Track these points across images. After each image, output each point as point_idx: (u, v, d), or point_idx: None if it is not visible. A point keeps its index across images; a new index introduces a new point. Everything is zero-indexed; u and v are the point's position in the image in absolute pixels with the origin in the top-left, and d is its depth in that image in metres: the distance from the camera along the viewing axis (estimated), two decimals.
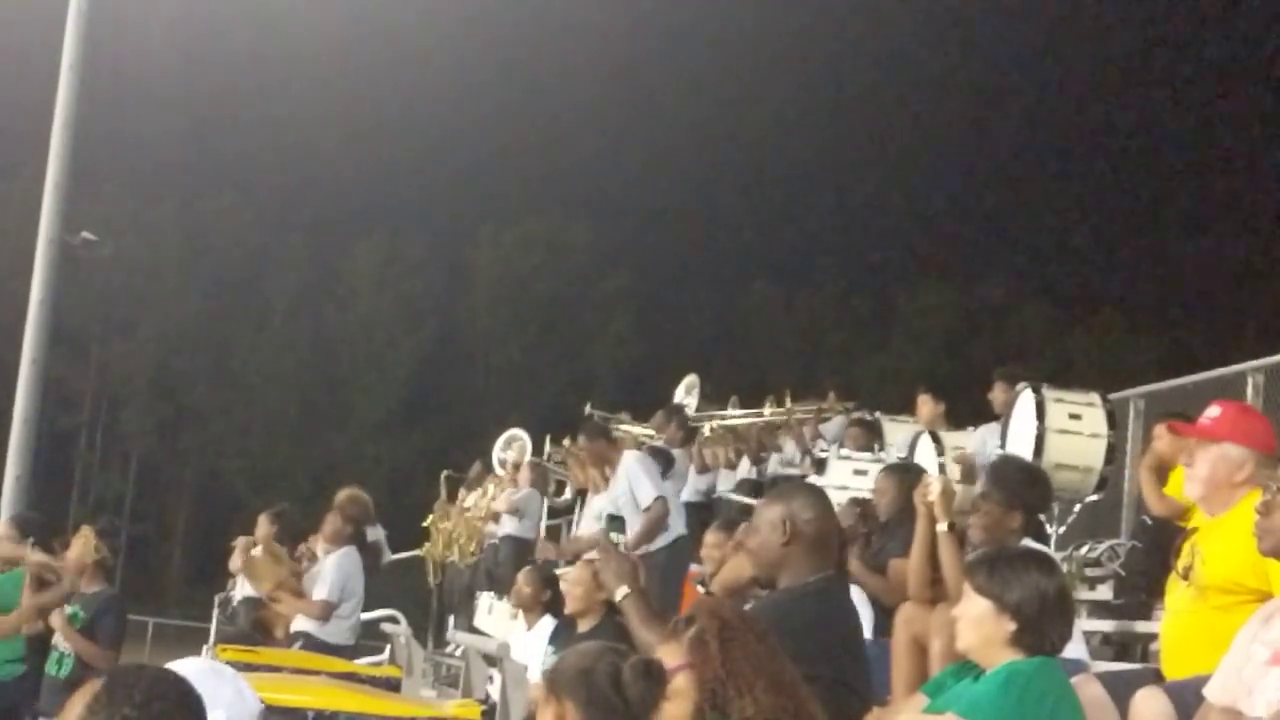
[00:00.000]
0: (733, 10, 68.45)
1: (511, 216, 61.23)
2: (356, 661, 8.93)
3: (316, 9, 36.44)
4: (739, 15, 68.57)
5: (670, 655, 3.45)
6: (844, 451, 9.77)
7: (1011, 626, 3.85)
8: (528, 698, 5.90)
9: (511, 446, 15.37)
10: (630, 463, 9.52)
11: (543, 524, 13.63)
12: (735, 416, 13.63)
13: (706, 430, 13.36)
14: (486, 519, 13.60)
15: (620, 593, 4.58)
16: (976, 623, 3.92)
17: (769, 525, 4.37)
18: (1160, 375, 11.85)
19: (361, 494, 10.24)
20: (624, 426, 14.31)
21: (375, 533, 11.15)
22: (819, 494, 4.74)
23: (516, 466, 14.21)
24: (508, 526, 13.17)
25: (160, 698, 2.52)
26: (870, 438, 10.28)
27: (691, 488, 13.02)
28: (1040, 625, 3.85)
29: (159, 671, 2.60)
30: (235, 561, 10.47)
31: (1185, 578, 4.70)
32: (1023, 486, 6.09)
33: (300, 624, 9.44)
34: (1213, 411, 4.93)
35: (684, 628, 3.48)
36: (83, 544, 8.12)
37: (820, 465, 9.69)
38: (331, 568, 9.49)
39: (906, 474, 7.34)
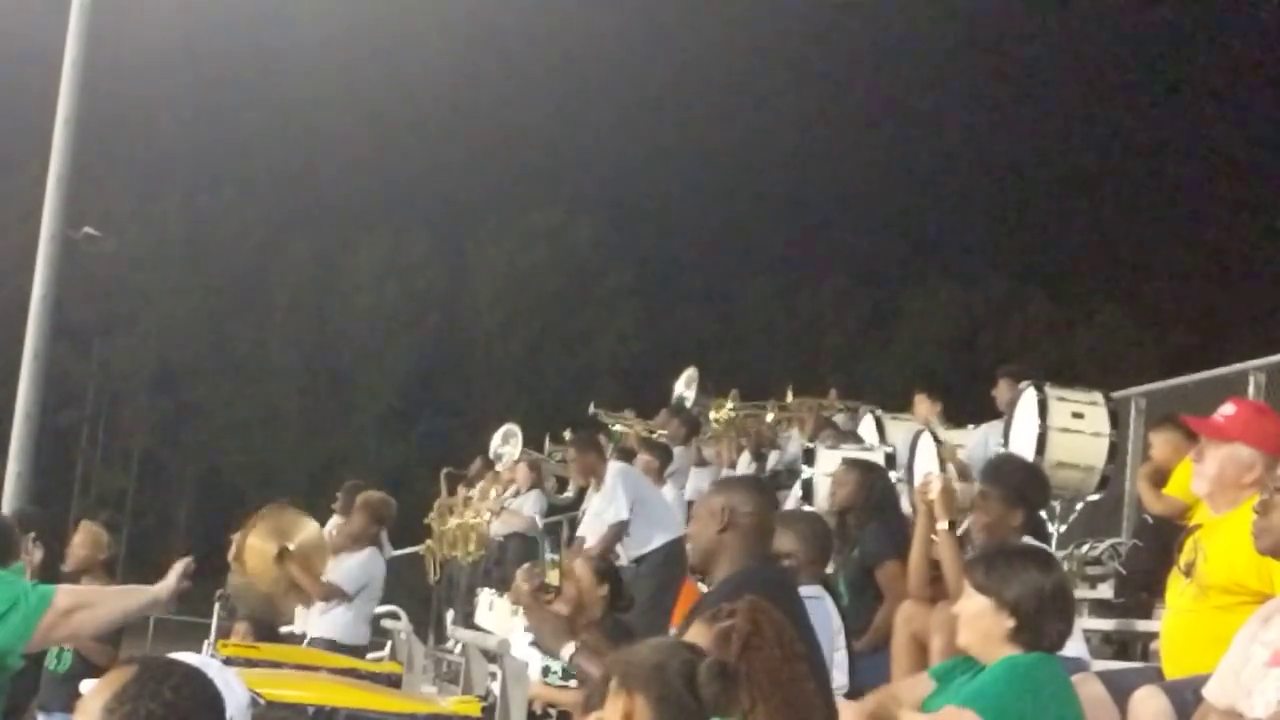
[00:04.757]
0: (734, 7, 68.43)
1: (513, 213, 61.28)
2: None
3: (319, 5, 36.43)
4: (740, 12, 68.55)
5: (699, 636, 3.46)
6: (834, 442, 9.83)
7: (1010, 623, 3.86)
8: (528, 694, 5.91)
9: (509, 442, 15.40)
10: (610, 475, 9.89)
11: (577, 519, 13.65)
12: (735, 409, 13.63)
13: (714, 423, 13.38)
14: (491, 517, 13.61)
15: (566, 651, 4.58)
16: (975, 619, 3.93)
17: (708, 513, 4.42)
18: (1162, 374, 11.84)
19: (390, 499, 10.28)
20: (625, 425, 14.32)
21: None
22: (761, 488, 4.82)
23: (515, 464, 14.23)
24: (513, 524, 13.19)
25: (188, 697, 2.52)
26: (844, 437, 10.30)
27: (694, 486, 13.03)
28: (1038, 622, 3.86)
29: (189, 669, 2.59)
30: (234, 553, 10.44)
31: (1187, 574, 4.69)
32: (1024, 485, 6.10)
33: (318, 629, 9.42)
34: (1227, 409, 4.89)
35: (724, 615, 3.47)
36: (94, 540, 8.11)
37: (809, 456, 9.76)
38: (358, 566, 9.50)
39: (869, 470, 7.39)
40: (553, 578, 4.51)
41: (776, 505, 4.76)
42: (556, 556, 3.91)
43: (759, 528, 4.43)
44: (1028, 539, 5.73)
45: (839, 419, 12.38)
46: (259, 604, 9.52)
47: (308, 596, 9.42)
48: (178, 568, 4.57)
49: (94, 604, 4.36)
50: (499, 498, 13.52)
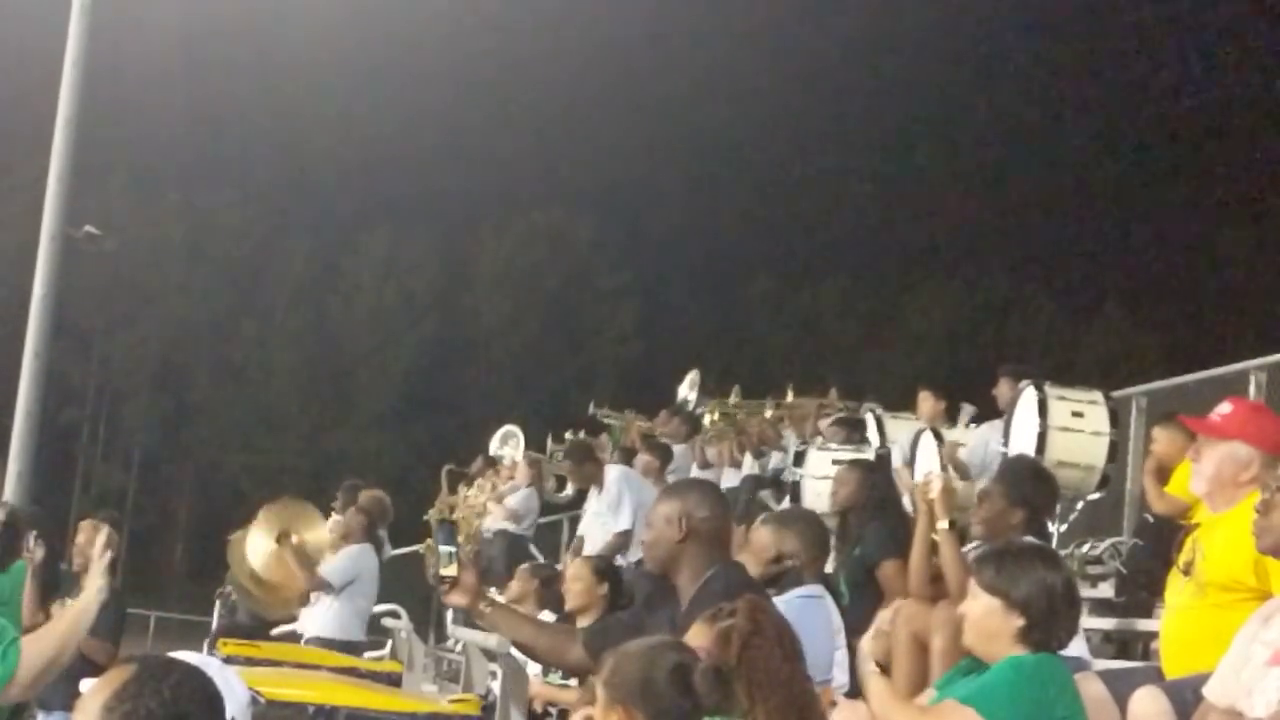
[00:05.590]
0: (735, 6, 68.44)
1: (513, 212, 61.28)
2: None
3: (318, 5, 36.42)
4: (741, 11, 68.56)
5: (698, 636, 3.46)
6: (824, 443, 9.82)
7: (1020, 622, 3.84)
8: (528, 693, 5.91)
9: (508, 443, 15.42)
10: (612, 481, 10.02)
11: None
12: (735, 406, 13.61)
13: (707, 421, 13.37)
14: (482, 514, 13.63)
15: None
16: (983, 619, 3.90)
17: (664, 521, 4.30)
18: (1163, 373, 11.83)
19: (384, 497, 10.31)
20: (626, 424, 14.32)
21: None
22: (714, 490, 4.73)
23: (515, 464, 14.24)
24: (502, 521, 13.20)
25: (188, 696, 2.51)
26: (852, 437, 10.29)
27: None
28: (1049, 621, 3.84)
29: (189, 668, 2.59)
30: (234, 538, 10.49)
31: (1186, 573, 4.70)
32: (1028, 485, 6.09)
33: (311, 628, 9.43)
34: (1224, 408, 4.91)
35: (724, 615, 3.47)
36: (106, 538, 8.11)
37: (799, 457, 9.75)
38: (347, 559, 9.52)
39: (870, 470, 7.41)
40: (450, 570, 4.43)
41: (729, 506, 4.69)
42: (453, 548, 3.85)
43: (718, 532, 4.32)
44: (1029, 539, 5.72)
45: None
46: (249, 590, 9.59)
47: (298, 586, 9.46)
48: (97, 563, 4.76)
49: (56, 657, 4.51)
50: (496, 490, 13.55)
